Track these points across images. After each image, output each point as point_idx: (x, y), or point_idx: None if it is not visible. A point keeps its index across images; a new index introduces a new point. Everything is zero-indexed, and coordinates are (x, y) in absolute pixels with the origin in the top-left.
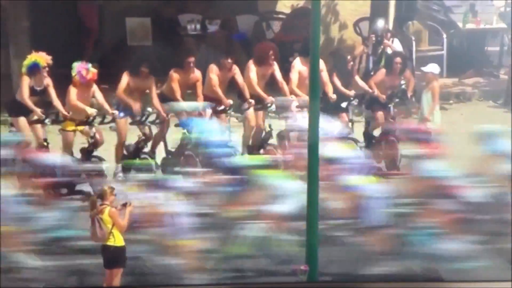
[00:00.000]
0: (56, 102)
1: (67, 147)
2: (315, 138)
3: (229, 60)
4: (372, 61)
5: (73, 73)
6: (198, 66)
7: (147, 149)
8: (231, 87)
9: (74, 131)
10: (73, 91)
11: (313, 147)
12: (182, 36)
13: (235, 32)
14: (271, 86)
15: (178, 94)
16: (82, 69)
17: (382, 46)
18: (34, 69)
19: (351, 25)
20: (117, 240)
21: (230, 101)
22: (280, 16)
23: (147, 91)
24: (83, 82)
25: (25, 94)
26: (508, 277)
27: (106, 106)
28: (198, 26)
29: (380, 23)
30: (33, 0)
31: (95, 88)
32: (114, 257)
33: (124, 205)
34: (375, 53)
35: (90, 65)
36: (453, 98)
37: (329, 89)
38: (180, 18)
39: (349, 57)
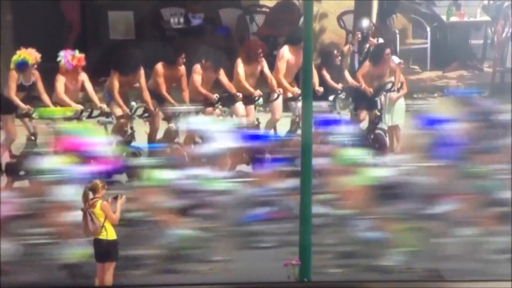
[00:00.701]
0: (44, 96)
1: None
2: (308, 137)
3: (209, 63)
4: (358, 60)
5: (59, 59)
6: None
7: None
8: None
9: None
10: (60, 80)
11: (306, 147)
12: (165, 29)
13: (218, 26)
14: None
15: (163, 88)
16: (68, 54)
17: (367, 44)
18: (22, 66)
19: (334, 18)
20: (109, 233)
21: (217, 95)
22: (264, 9)
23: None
24: (69, 68)
25: (11, 91)
26: (508, 276)
27: (95, 98)
28: (182, 20)
29: (365, 21)
30: None
31: (84, 77)
32: (106, 251)
33: (115, 198)
34: (360, 51)
35: (76, 51)
36: (438, 91)
37: (315, 81)
38: (163, 12)
39: (335, 51)
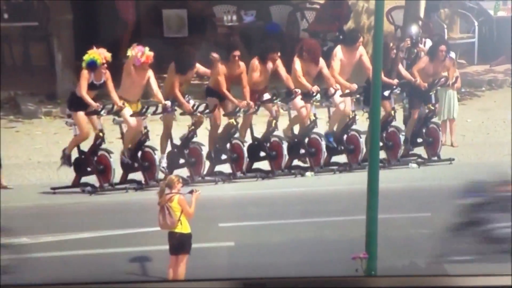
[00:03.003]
0: (113, 95)
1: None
2: (376, 132)
3: (271, 54)
4: (406, 65)
5: (128, 53)
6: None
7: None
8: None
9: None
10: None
11: (373, 140)
12: (217, 27)
13: (268, 22)
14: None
15: (224, 87)
16: (139, 51)
17: (416, 50)
18: (92, 65)
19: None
20: (184, 227)
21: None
22: (314, 6)
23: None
24: (137, 64)
25: (83, 89)
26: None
27: (160, 96)
28: (234, 17)
29: (414, 28)
30: None
31: (150, 74)
32: (180, 244)
33: (191, 192)
34: (409, 57)
35: (147, 48)
36: (485, 85)
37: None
38: (215, 9)
39: (391, 44)
